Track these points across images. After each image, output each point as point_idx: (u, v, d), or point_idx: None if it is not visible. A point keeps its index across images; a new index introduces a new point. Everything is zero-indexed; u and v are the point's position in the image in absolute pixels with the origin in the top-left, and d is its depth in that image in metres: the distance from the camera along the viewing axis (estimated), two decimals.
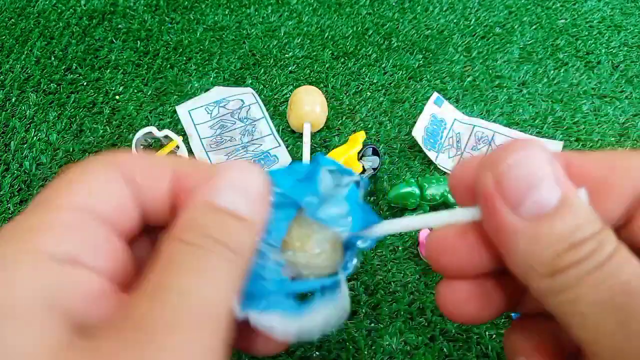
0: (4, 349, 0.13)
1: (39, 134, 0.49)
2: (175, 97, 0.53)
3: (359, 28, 0.60)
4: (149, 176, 0.18)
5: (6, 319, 0.13)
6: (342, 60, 0.57)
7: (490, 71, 0.56)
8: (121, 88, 0.53)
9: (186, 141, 0.49)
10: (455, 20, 0.62)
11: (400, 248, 0.42)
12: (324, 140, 0.50)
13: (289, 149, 0.49)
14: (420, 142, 0.48)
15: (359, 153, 0.47)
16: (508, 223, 0.14)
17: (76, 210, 0.16)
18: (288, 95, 0.52)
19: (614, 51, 0.59)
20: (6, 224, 0.15)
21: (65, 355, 0.13)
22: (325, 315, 0.17)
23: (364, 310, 0.38)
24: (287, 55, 0.57)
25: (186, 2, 0.62)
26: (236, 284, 0.16)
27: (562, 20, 0.62)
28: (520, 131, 0.51)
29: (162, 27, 0.59)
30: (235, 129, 0.50)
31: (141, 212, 0.18)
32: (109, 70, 0.55)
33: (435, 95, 0.52)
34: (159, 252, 0.16)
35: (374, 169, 0.46)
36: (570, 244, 0.14)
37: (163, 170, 0.18)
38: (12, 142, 0.49)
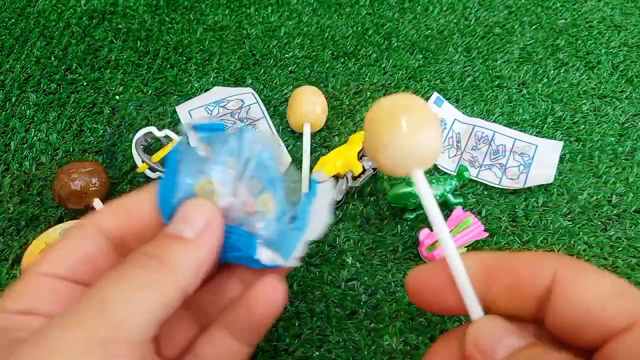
0: None
1: (39, 134, 0.49)
2: (175, 97, 0.53)
3: (359, 28, 0.60)
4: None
5: None
6: (342, 60, 0.57)
7: (490, 71, 0.56)
8: (121, 88, 0.53)
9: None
10: (455, 20, 0.62)
11: (400, 248, 0.42)
12: (324, 140, 0.50)
13: (289, 148, 0.49)
14: None
15: (359, 153, 0.47)
16: None
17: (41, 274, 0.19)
18: (288, 95, 0.52)
19: (614, 51, 0.59)
20: None
21: None
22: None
23: (364, 310, 0.38)
24: (287, 55, 0.57)
25: (186, 2, 0.62)
26: (165, 295, 0.17)
27: (562, 20, 0.62)
28: (520, 131, 0.51)
29: (162, 27, 0.59)
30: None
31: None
32: (109, 70, 0.55)
33: (435, 95, 0.52)
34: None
35: (374, 169, 0.46)
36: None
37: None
38: (12, 142, 0.49)
